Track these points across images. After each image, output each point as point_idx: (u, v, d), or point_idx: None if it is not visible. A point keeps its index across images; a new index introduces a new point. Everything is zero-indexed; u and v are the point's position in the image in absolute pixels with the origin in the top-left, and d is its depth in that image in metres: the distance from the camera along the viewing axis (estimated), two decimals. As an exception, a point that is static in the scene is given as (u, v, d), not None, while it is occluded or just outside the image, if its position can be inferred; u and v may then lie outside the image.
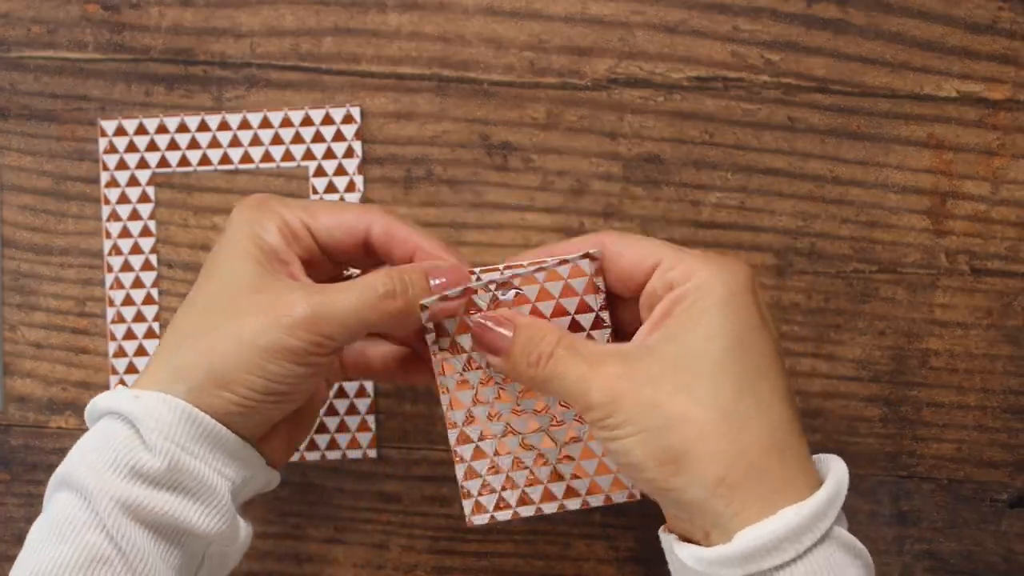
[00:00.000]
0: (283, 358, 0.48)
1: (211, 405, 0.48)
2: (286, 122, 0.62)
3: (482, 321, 0.50)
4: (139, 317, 0.63)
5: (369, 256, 0.53)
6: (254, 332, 0.48)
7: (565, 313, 0.51)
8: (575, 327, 0.51)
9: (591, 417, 0.47)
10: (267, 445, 0.52)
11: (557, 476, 0.53)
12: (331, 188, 0.62)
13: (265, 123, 0.62)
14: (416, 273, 0.50)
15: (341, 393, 0.62)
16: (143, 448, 0.47)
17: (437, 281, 0.50)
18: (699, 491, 0.45)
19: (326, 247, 0.52)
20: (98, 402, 0.49)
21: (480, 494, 0.53)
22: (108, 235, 0.63)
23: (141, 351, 0.63)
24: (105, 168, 0.63)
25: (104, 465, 0.47)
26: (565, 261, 0.51)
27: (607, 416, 0.46)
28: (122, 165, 0.63)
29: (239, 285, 0.49)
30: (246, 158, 0.63)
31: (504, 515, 0.53)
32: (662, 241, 0.50)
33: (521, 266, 0.51)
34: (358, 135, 0.62)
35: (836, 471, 0.46)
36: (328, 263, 0.53)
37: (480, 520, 0.53)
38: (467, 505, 0.53)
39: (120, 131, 0.63)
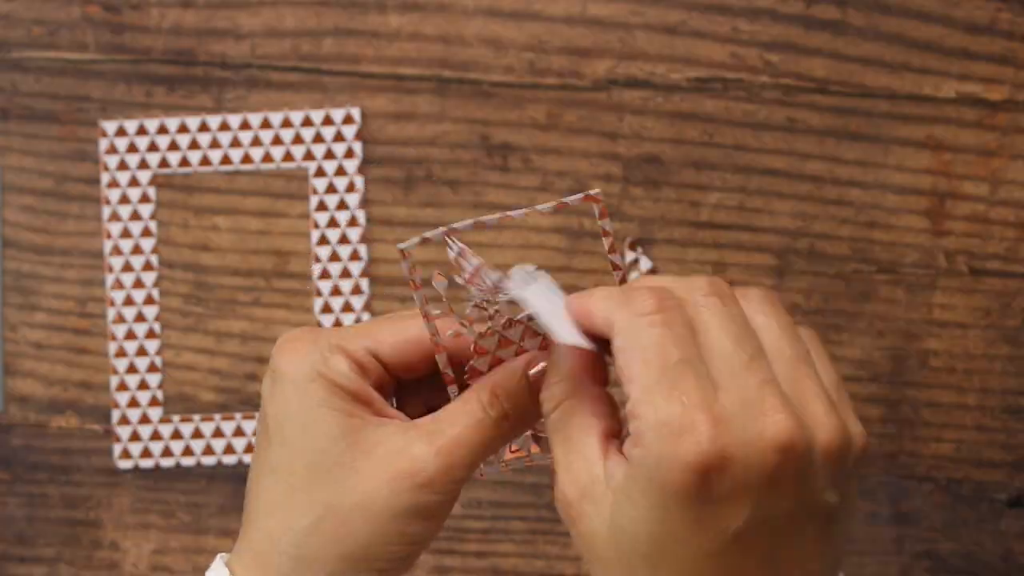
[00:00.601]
0: (422, 517, 0.43)
1: None
2: (286, 123, 0.62)
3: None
4: (140, 317, 0.63)
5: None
6: (385, 499, 0.42)
7: None
8: None
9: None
10: None
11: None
12: (331, 188, 0.62)
13: (265, 124, 0.62)
14: (513, 379, 0.44)
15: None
16: None
17: (535, 371, 0.44)
18: None
19: (396, 370, 0.45)
20: None
21: None
22: (109, 235, 0.63)
23: (142, 351, 0.63)
24: (106, 169, 0.63)
25: None
26: (564, 204, 0.46)
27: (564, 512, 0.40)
28: (123, 166, 0.63)
29: (339, 442, 0.43)
30: (246, 159, 0.63)
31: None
32: (648, 359, 0.38)
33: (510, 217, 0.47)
34: (358, 136, 0.62)
35: None
36: (391, 387, 0.47)
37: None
38: None
39: (121, 132, 0.63)
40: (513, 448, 0.47)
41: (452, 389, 0.46)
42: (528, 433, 0.47)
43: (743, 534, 0.37)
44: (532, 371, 0.44)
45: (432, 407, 0.46)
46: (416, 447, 0.42)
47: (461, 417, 0.43)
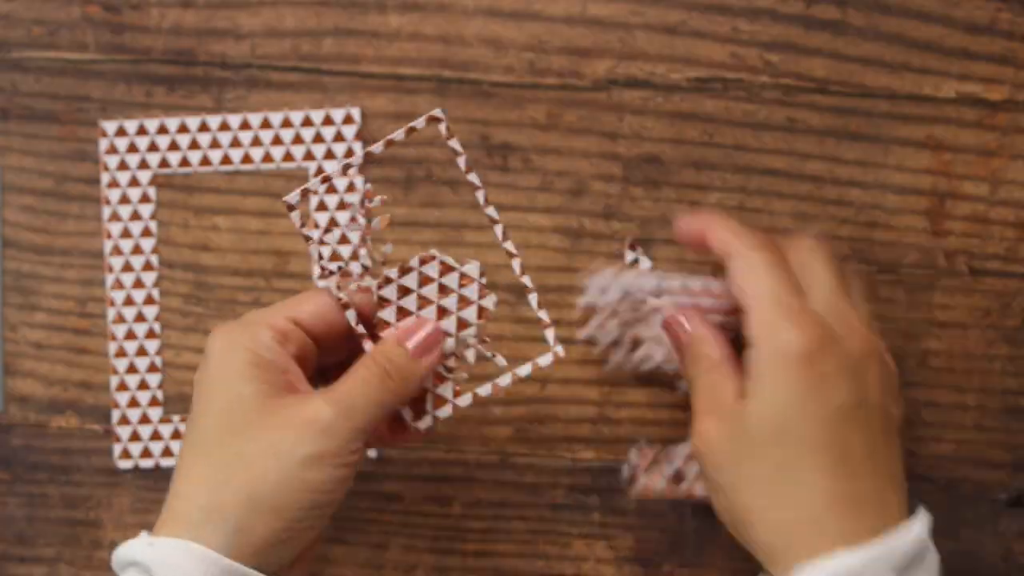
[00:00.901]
0: (326, 463, 0.48)
1: (255, 539, 0.47)
2: (286, 123, 0.62)
3: (669, 318, 0.54)
4: (140, 317, 0.63)
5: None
6: (291, 444, 0.47)
7: None
8: None
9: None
10: (291, 572, 0.51)
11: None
12: (330, 189, 0.62)
13: (265, 124, 0.62)
14: (389, 345, 0.51)
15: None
16: None
17: (412, 343, 0.51)
18: (758, 548, 0.49)
19: (317, 335, 0.52)
20: (122, 553, 0.48)
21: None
22: (109, 235, 0.63)
23: (142, 351, 0.63)
24: (106, 169, 0.63)
25: None
26: (413, 128, 0.52)
27: (698, 459, 0.52)
28: (123, 166, 0.63)
29: (251, 406, 0.49)
30: (246, 159, 0.63)
31: (444, 412, 0.54)
32: (766, 278, 0.51)
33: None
34: (358, 136, 0.62)
35: (904, 529, 0.49)
36: (314, 354, 0.53)
37: (424, 424, 0.54)
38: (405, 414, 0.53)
39: (121, 132, 0.63)
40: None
41: (367, 344, 0.52)
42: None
43: (845, 408, 0.48)
44: (409, 344, 0.51)
45: None
46: (313, 400, 0.49)
47: (350, 380, 0.50)
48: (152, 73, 0.63)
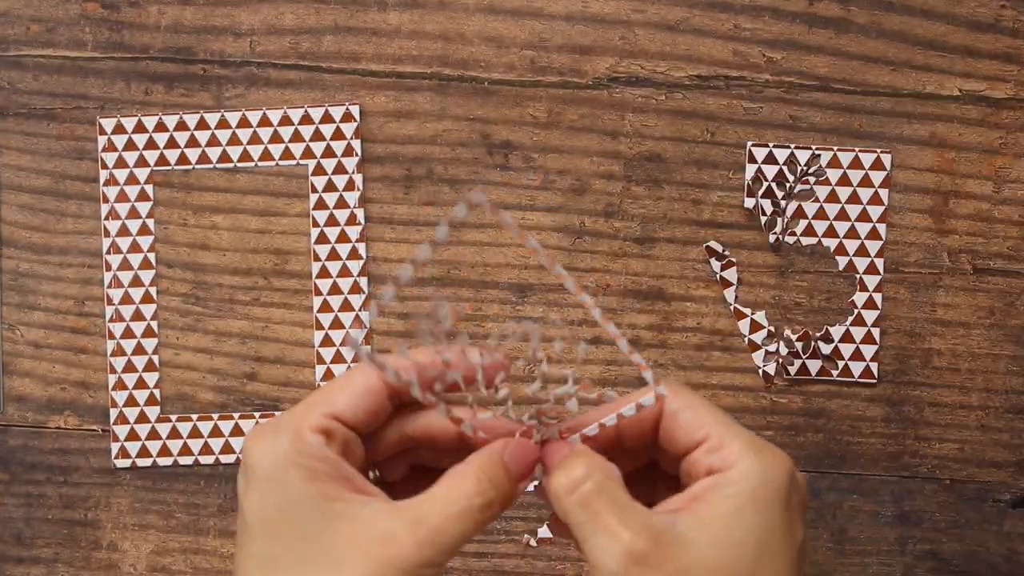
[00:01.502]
0: None
1: None
2: (285, 120, 0.62)
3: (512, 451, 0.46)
4: (137, 316, 0.63)
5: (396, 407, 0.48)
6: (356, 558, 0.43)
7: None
8: None
9: (596, 571, 0.43)
10: None
11: None
12: (330, 187, 0.62)
13: (264, 121, 0.62)
14: (497, 469, 0.45)
15: None
16: None
17: (512, 457, 0.45)
18: None
19: (358, 426, 0.46)
20: None
21: None
22: (107, 233, 0.63)
23: (140, 350, 0.63)
24: (104, 166, 0.63)
25: None
26: (638, 404, 0.46)
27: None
28: (121, 163, 0.63)
29: (318, 529, 0.43)
30: (245, 156, 0.62)
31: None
32: (715, 411, 0.45)
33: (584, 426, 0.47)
34: (357, 133, 0.62)
35: None
36: (361, 449, 0.47)
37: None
38: None
39: (119, 129, 0.63)
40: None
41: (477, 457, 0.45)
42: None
43: (803, 544, 0.44)
44: (506, 456, 0.45)
45: (416, 465, 0.47)
46: (400, 535, 0.42)
47: (446, 505, 0.43)
48: (151, 71, 0.63)
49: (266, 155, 0.62)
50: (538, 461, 0.46)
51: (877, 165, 0.60)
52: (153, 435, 0.63)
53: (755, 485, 0.43)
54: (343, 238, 0.62)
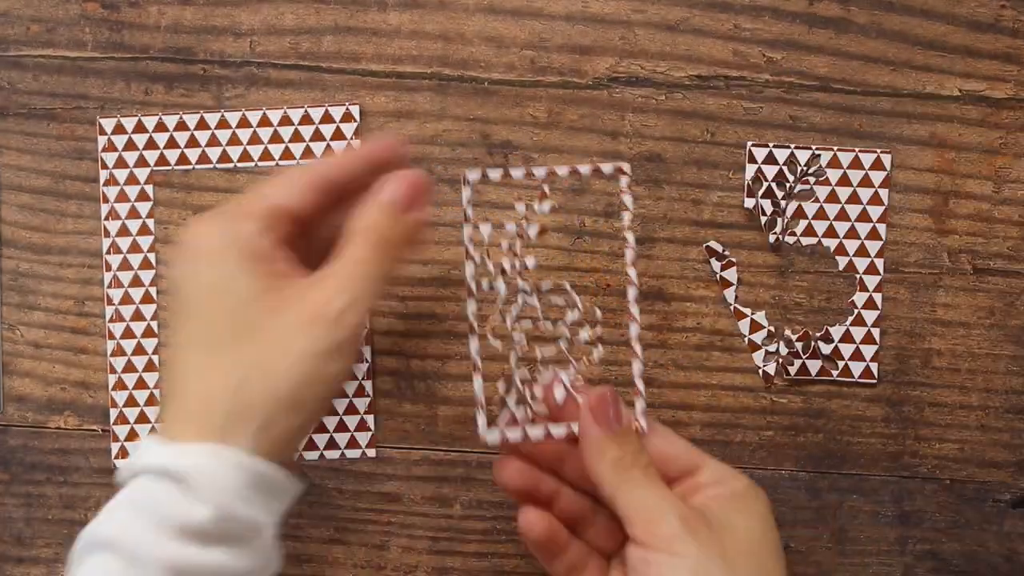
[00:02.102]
0: (343, 352, 0.48)
1: (275, 437, 0.47)
2: (285, 120, 0.62)
3: (608, 396, 0.51)
4: (137, 316, 0.63)
5: (337, 203, 0.52)
6: (305, 342, 0.47)
7: None
8: None
9: (638, 536, 0.49)
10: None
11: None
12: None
13: (264, 121, 0.62)
14: (372, 214, 0.50)
15: (338, 392, 0.62)
16: (191, 502, 0.45)
17: (391, 199, 0.50)
18: None
19: (297, 215, 0.51)
20: (135, 461, 0.47)
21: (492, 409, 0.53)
22: (107, 233, 0.63)
23: (140, 350, 0.63)
24: (104, 166, 0.63)
25: (149, 526, 0.45)
26: (599, 171, 0.54)
27: (670, 544, 0.48)
28: (121, 163, 0.63)
29: (256, 304, 0.48)
30: (245, 156, 0.62)
31: (514, 434, 0.53)
32: (695, 449, 0.53)
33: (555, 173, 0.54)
34: (357, 134, 0.62)
35: None
36: (298, 237, 0.52)
37: (492, 437, 0.53)
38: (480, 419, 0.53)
39: (119, 129, 0.63)
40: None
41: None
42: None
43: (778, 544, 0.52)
44: (391, 197, 0.51)
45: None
46: (319, 292, 0.47)
47: (347, 260, 0.49)
48: (151, 71, 0.63)
49: (266, 155, 0.62)
50: (424, 191, 0.51)
51: (877, 165, 0.60)
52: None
53: (760, 495, 0.52)
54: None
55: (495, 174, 0.54)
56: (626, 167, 0.53)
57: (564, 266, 0.62)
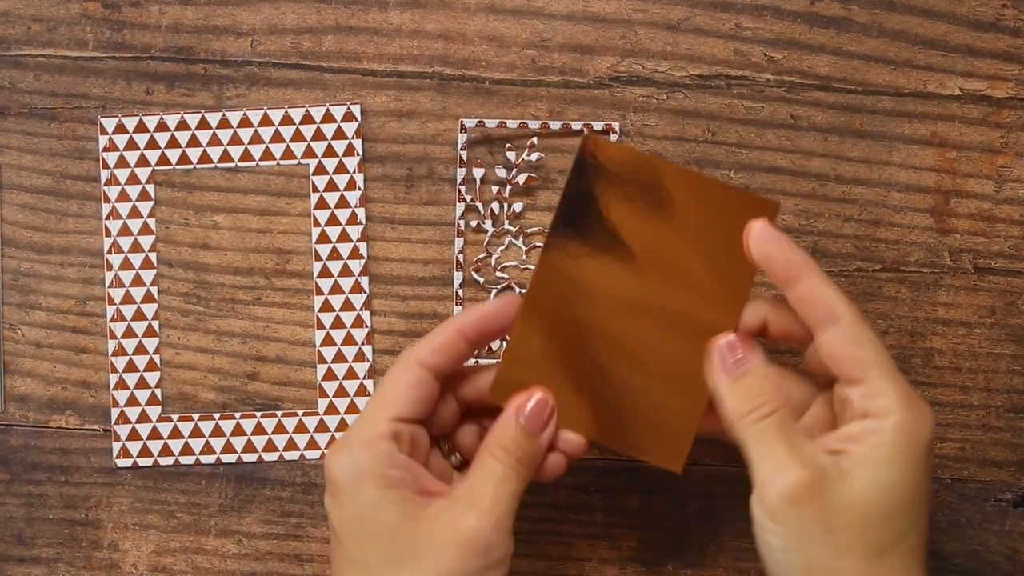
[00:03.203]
0: (491, 570, 0.51)
1: None
2: (286, 120, 0.62)
3: (729, 342, 0.52)
4: (139, 315, 0.63)
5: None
6: (458, 569, 0.50)
7: None
8: None
9: (760, 497, 0.49)
10: None
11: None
12: (331, 186, 0.62)
13: (265, 121, 0.62)
14: (509, 431, 0.52)
15: (341, 392, 0.62)
16: None
17: (523, 419, 0.52)
18: None
19: (418, 417, 0.53)
20: None
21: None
22: (108, 233, 0.63)
23: (141, 349, 0.63)
24: (105, 166, 0.63)
25: None
26: (590, 127, 0.60)
27: (773, 513, 0.49)
28: (122, 163, 0.63)
29: (397, 532, 0.50)
30: (246, 156, 0.62)
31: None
32: (880, 355, 0.50)
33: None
34: (359, 133, 0.62)
35: None
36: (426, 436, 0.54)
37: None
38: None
39: (120, 128, 0.63)
40: None
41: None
42: None
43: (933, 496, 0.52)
44: (522, 417, 0.52)
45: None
46: (467, 518, 0.50)
47: (488, 480, 0.51)
48: (152, 70, 0.63)
49: (267, 155, 0.62)
50: (554, 412, 0.53)
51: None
52: (154, 435, 0.63)
53: (907, 437, 0.48)
54: (344, 237, 0.62)
55: (491, 123, 0.59)
56: (616, 126, 0.58)
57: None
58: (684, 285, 0.52)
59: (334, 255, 0.62)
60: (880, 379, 0.49)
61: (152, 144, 0.63)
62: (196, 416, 0.63)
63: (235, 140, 0.62)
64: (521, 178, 0.61)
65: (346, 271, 0.62)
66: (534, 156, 0.61)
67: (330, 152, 0.62)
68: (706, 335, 0.52)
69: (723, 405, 0.51)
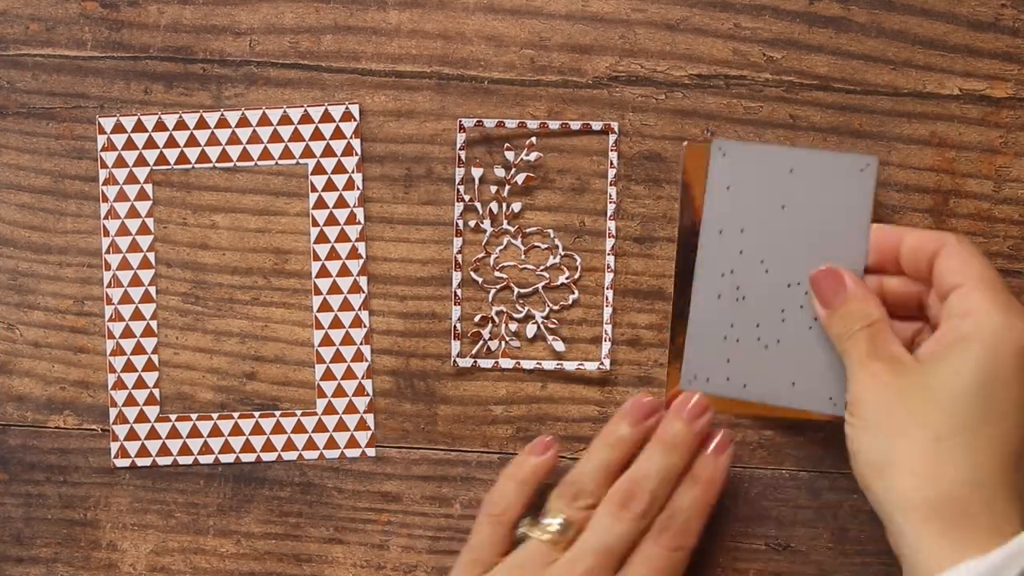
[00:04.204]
0: None
1: None
2: (285, 119, 0.62)
3: (823, 271, 0.56)
4: (137, 315, 0.63)
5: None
6: None
7: None
8: None
9: (848, 395, 0.53)
10: None
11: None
12: (330, 186, 0.62)
13: (264, 120, 0.62)
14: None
15: (339, 392, 0.62)
16: None
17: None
18: (893, 504, 0.50)
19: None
20: None
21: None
22: (106, 233, 0.63)
23: (139, 349, 0.63)
24: (103, 166, 0.63)
25: None
26: (588, 127, 0.61)
27: (850, 406, 0.53)
28: (120, 162, 0.63)
29: None
30: (244, 156, 0.62)
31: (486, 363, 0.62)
32: (983, 267, 0.53)
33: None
34: (357, 133, 0.62)
35: None
36: None
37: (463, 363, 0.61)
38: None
39: (118, 128, 0.63)
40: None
41: None
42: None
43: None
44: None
45: None
46: None
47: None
48: (150, 70, 0.63)
49: (265, 154, 0.62)
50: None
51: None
52: (152, 434, 0.63)
53: (991, 336, 0.50)
54: (343, 237, 0.62)
55: (490, 123, 0.60)
56: (614, 125, 0.60)
57: (563, 265, 0.62)
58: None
59: (332, 255, 0.62)
60: (977, 288, 0.52)
61: (150, 144, 0.62)
62: (194, 416, 0.63)
63: (233, 140, 0.62)
64: (520, 178, 0.61)
65: (344, 271, 0.62)
66: (533, 156, 0.61)
67: (328, 152, 0.62)
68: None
69: (829, 333, 0.55)
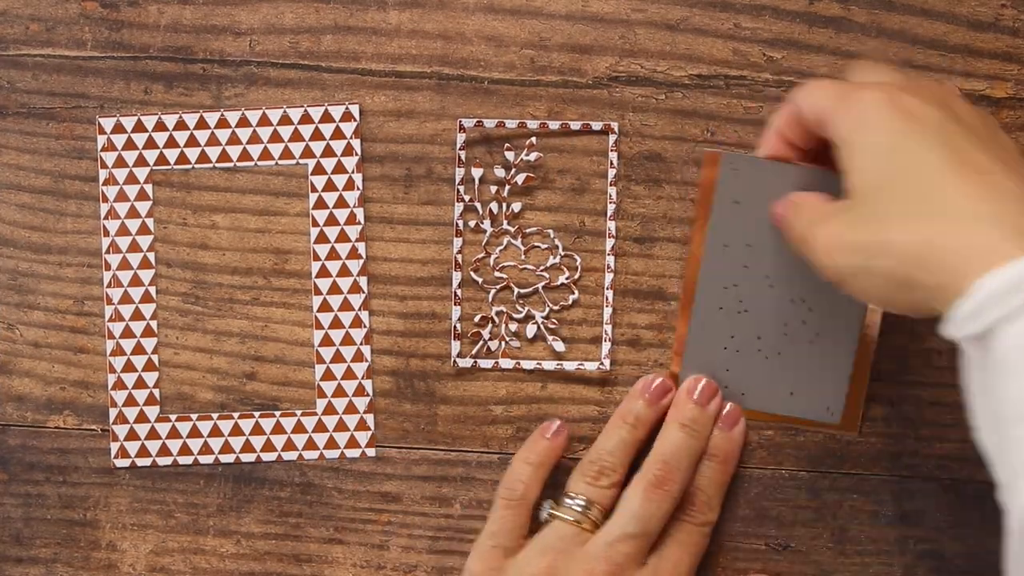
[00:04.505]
0: None
1: None
2: (285, 120, 0.62)
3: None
4: (137, 315, 0.63)
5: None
6: None
7: None
8: None
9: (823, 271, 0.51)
10: None
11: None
12: (330, 186, 0.62)
13: (264, 120, 0.62)
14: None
15: (339, 392, 0.62)
16: None
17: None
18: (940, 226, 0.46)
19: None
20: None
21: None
22: (106, 233, 0.63)
23: (139, 349, 0.63)
24: (103, 166, 0.63)
25: None
26: (588, 127, 0.61)
27: (829, 269, 0.50)
28: (120, 162, 0.63)
29: None
30: (244, 156, 0.62)
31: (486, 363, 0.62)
32: (829, 86, 0.52)
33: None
34: (357, 133, 0.62)
35: None
36: None
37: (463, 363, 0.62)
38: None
39: (118, 128, 0.62)
40: None
41: None
42: None
43: (945, 126, 0.48)
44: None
45: None
46: None
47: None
48: (150, 70, 0.63)
49: (265, 154, 0.62)
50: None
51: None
52: (152, 435, 0.63)
53: (849, 127, 0.50)
54: (343, 237, 0.62)
55: (490, 123, 0.60)
56: (614, 126, 0.61)
57: (563, 265, 0.62)
58: None
59: (332, 255, 0.62)
60: (825, 102, 0.52)
61: (150, 144, 0.62)
62: (194, 416, 0.63)
63: (233, 140, 0.62)
64: (520, 178, 0.61)
65: (344, 271, 0.62)
66: (533, 156, 0.61)
67: (328, 152, 0.62)
68: None
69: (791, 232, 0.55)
